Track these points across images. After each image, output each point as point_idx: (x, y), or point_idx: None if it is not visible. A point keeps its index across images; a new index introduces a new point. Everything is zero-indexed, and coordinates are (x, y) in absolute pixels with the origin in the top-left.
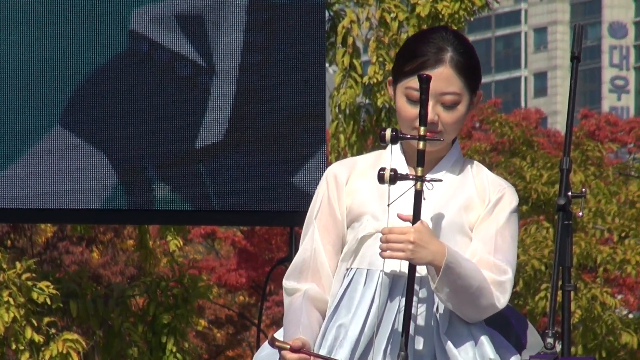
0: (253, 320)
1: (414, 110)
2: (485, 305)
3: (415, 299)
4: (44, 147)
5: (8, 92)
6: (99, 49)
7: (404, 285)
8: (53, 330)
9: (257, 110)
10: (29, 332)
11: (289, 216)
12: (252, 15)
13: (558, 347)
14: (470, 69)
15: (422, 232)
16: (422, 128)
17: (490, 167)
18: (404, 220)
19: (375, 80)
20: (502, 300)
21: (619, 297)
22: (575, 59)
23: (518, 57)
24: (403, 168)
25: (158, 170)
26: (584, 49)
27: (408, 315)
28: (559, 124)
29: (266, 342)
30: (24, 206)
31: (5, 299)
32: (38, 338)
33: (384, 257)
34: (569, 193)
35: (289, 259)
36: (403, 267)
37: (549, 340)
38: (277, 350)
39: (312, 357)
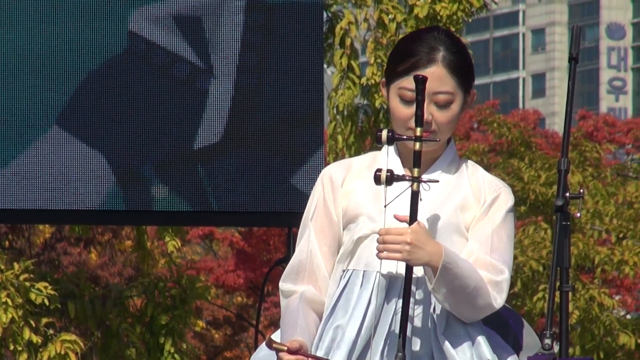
0: (251, 321)
1: (408, 111)
2: (482, 305)
3: (412, 300)
4: (42, 148)
5: (5, 94)
6: (97, 50)
7: (401, 287)
8: (51, 331)
9: (255, 112)
10: (27, 333)
11: (287, 217)
12: (250, 16)
13: (556, 348)
14: (463, 68)
15: (419, 233)
16: (418, 129)
17: (488, 168)
18: (401, 221)
19: (373, 82)
20: (498, 300)
21: (617, 298)
22: (573, 60)
23: (516, 58)
24: (399, 169)
25: (156, 171)
26: (582, 50)
27: (405, 317)
28: (557, 125)
29: (263, 343)
30: (22, 207)
31: (3, 300)
32: (36, 339)
33: (380, 258)
34: (567, 194)
35: (287, 259)
36: (400, 268)
37: (547, 341)
38: (274, 352)
39: (309, 359)
